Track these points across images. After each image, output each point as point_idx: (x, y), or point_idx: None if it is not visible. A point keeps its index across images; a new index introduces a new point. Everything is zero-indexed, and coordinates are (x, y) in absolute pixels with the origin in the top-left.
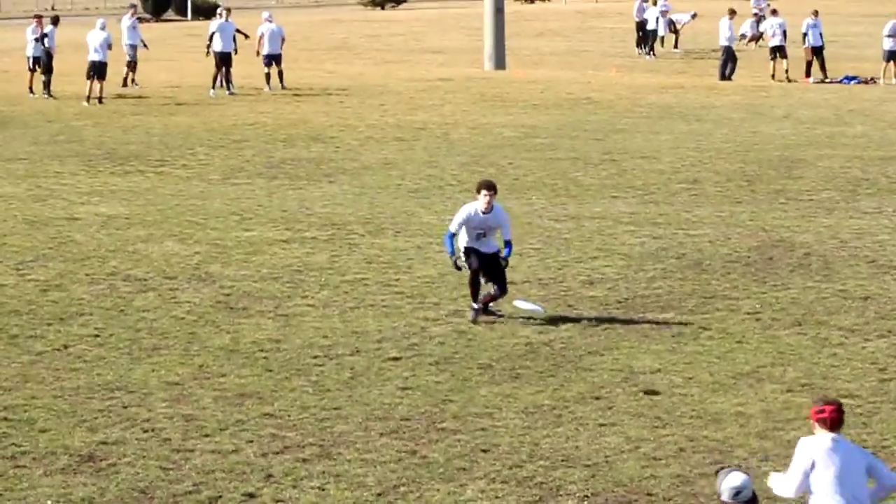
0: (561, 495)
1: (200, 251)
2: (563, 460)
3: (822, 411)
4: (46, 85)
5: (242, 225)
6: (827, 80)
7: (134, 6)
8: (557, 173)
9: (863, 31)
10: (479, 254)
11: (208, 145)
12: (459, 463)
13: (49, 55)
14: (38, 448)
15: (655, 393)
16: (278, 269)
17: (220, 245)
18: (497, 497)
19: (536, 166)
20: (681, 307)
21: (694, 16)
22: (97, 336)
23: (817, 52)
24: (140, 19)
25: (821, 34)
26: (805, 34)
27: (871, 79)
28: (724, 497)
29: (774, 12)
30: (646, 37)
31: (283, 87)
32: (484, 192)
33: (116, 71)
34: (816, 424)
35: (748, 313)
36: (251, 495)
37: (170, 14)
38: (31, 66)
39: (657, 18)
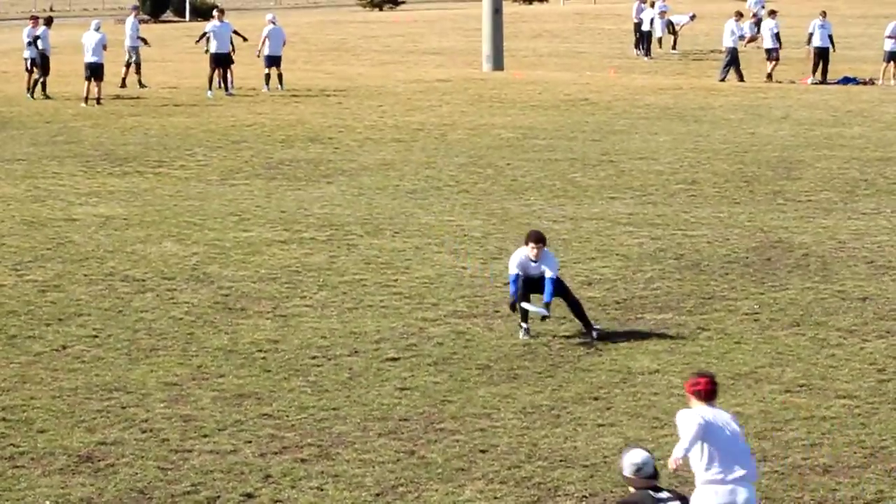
0: (559, 496)
1: (199, 252)
2: (561, 461)
3: (698, 384)
4: (43, 86)
5: (241, 226)
6: (826, 82)
7: (136, 7)
8: (555, 174)
9: (862, 33)
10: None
11: (206, 146)
12: (458, 463)
13: (44, 57)
14: (36, 448)
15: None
16: (276, 269)
17: (218, 246)
18: (495, 497)
19: (534, 167)
20: (679, 308)
21: (693, 17)
22: (95, 336)
23: (822, 53)
24: (141, 21)
25: (830, 36)
26: (811, 34)
27: (870, 80)
28: (626, 472)
29: (773, 14)
30: (642, 38)
31: (282, 89)
32: (531, 244)
33: (115, 72)
34: (692, 397)
35: (746, 314)
36: (249, 495)
37: (168, 15)
38: (29, 68)
39: (652, 20)
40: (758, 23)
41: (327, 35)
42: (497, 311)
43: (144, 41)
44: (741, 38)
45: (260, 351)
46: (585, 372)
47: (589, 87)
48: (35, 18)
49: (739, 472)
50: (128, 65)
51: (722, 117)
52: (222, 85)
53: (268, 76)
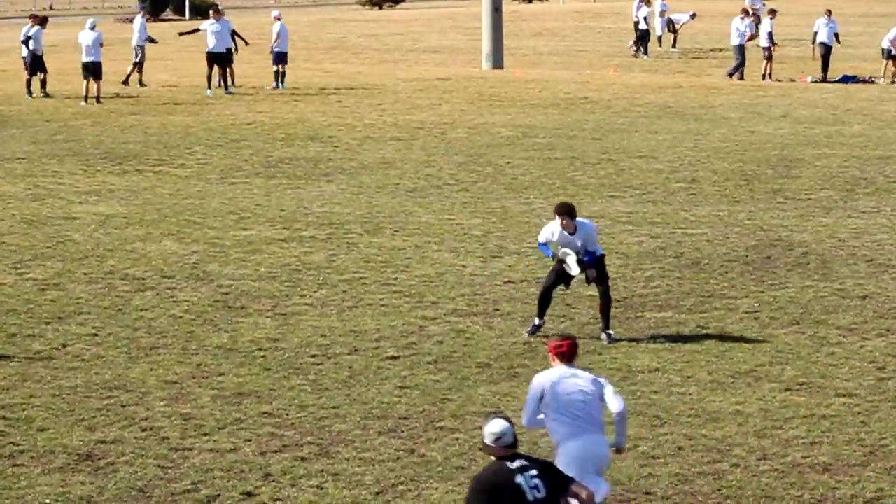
0: None
1: (198, 250)
2: None
3: (560, 346)
4: (42, 84)
5: (240, 224)
6: (826, 81)
7: (144, 6)
8: (555, 173)
9: (862, 31)
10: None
11: (206, 145)
12: (458, 462)
13: (35, 56)
14: (36, 447)
15: None
16: (276, 268)
17: (218, 244)
18: None
19: (534, 166)
20: (679, 306)
21: (693, 16)
22: (95, 335)
23: (828, 50)
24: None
25: (836, 34)
26: (816, 33)
27: (870, 78)
28: (487, 441)
29: (772, 13)
30: (639, 36)
31: (283, 87)
32: (557, 217)
33: (114, 70)
34: (554, 357)
35: (746, 312)
36: (249, 494)
37: (168, 14)
38: (27, 67)
39: (645, 17)
40: (758, 21)
41: (327, 33)
42: (497, 310)
43: (152, 40)
44: (745, 35)
45: (260, 349)
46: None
47: (589, 85)
48: (34, 17)
49: (591, 427)
50: (136, 63)
51: (722, 116)
52: (222, 83)
53: (277, 73)
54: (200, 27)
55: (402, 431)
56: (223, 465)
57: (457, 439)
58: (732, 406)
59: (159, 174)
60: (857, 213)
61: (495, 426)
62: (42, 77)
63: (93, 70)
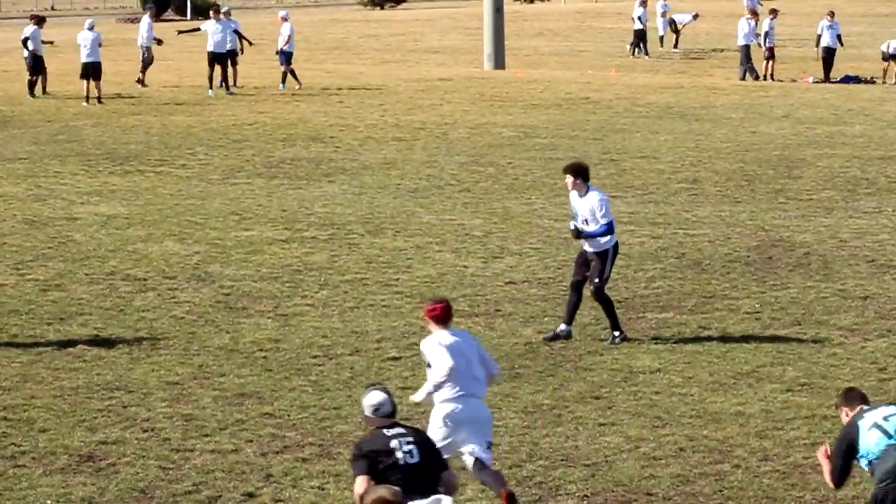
0: (560, 495)
1: (200, 251)
2: (562, 460)
3: (434, 309)
4: (43, 85)
5: (242, 225)
6: (829, 81)
7: (152, 7)
8: (557, 173)
9: (863, 31)
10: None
11: (208, 145)
12: (459, 462)
13: (35, 57)
14: (37, 448)
15: None
16: (278, 268)
17: (219, 245)
18: (497, 497)
19: (536, 166)
20: (680, 307)
21: (696, 16)
22: (97, 336)
23: (831, 53)
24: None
25: (839, 36)
26: (820, 35)
27: (871, 79)
28: (367, 412)
29: (773, 13)
30: (640, 37)
31: (283, 88)
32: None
33: (115, 70)
34: (431, 322)
35: (748, 313)
36: (251, 495)
37: (169, 14)
38: (29, 67)
39: (640, 17)
40: (757, 20)
41: (328, 34)
42: (498, 311)
43: (159, 41)
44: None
45: (261, 350)
46: (587, 371)
47: (590, 85)
48: (34, 17)
49: (472, 390)
50: (147, 64)
51: (723, 116)
52: (223, 84)
53: (290, 72)
54: (201, 27)
55: None
56: (224, 466)
57: None
58: (734, 407)
59: (161, 175)
60: (858, 213)
61: (374, 397)
62: (35, 78)
63: (92, 70)
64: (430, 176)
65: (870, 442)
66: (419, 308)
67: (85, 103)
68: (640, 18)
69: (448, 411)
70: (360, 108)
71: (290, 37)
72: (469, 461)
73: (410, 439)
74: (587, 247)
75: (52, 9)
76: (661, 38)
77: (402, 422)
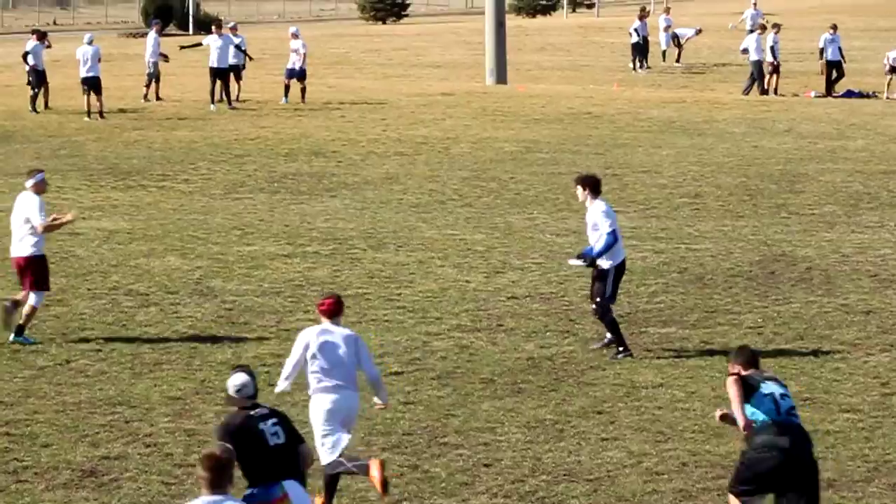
0: None
1: (202, 266)
2: (565, 475)
3: (322, 304)
4: (45, 99)
5: (244, 240)
6: (831, 95)
7: (158, 22)
8: (559, 188)
9: (864, 46)
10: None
11: (210, 160)
12: (462, 478)
13: (36, 72)
14: (40, 463)
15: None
16: (280, 283)
17: (221, 260)
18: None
19: (538, 181)
20: (683, 321)
21: (699, 31)
22: (99, 351)
23: (835, 66)
24: (145, 34)
25: (840, 49)
26: (822, 49)
27: (873, 93)
28: (230, 393)
29: (774, 27)
30: (638, 51)
31: (287, 102)
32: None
33: (116, 85)
34: (322, 315)
35: (750, 327)
36: None
37: (171, 29)
38: (30, 82)
39: (636, 30)
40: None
41: (330, 48)
42: (501, 326)
43: (165, 57)
44: (745, 51)
45: (264, 365)
46: (589, 386)
47: (592, 100)
48: (35, 32)
49: (344, 381)
50: (153, 79)
51: (725, 130)
52: (225, 98)
53: (294, 89)
54: (203, 42)
55: (406, 447)
56: None
57: (461, 455)
58: None
59: (163, 189)
60: (860, 228)
61: (238, 379)
62: (37, 92)
63: (92, 85)
64: (432, 191)
65: (761, 405)
66: (422, 323)
67: (87, 118)
68: (636, 31)
69: (327, 402)
70: (363, 123)
71: (304, 54)
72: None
73: (274, 420)
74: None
75: (54, 24)
76: (664, 52)
77: (261, 403)
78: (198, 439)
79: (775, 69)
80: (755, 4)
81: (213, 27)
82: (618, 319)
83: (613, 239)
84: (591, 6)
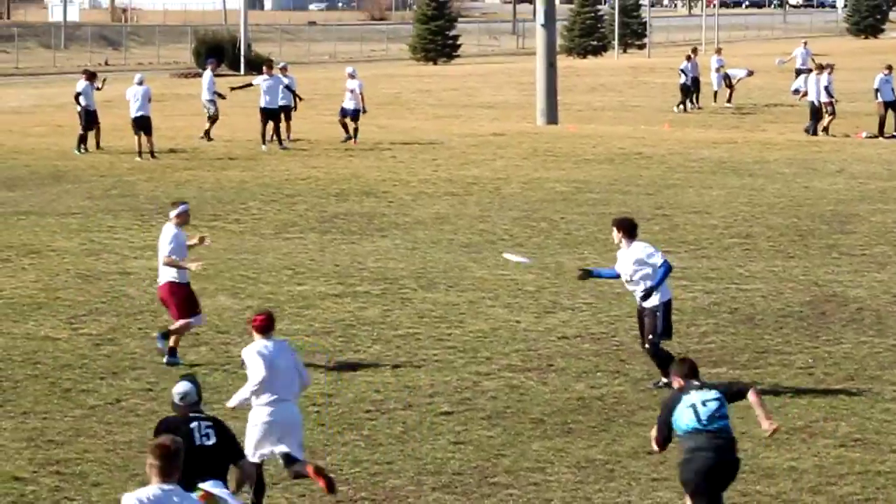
0: None
1: (253, 305)
2: None
3: (255, 320)
4: (81, 140)
5: (295, 279)
6: (885, 136)
7: (213, 61)
8: (609, 228)
9: None
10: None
11: (261, 200)
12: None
13: (87, 112)
14: (90, 502)
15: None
16: (330, 323)
17: (272, 299)
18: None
19: (588, 221)
20: (733, 362)
21: (750, 73)
22: (150, 390)
23: (890, 106)
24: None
25: (893, 89)
26: (878, 89)
27: None
28: (175, 400)
29: (829, 68)
30: (684, 92)
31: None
32: None
33: (168, 125)
34: (254, 332)
35: (801, 368)
36: None
37: (223, 69)
38: (81, 122)
39: (682, 70)
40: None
41: (382, 89)
42: (551, 366)
43: (221, 96)
44: (796, 91)
45: (314, 405)
46: (640, 426)
47: (643, 140)
48: (86, 73)
49: (285, 395)
50: (213, 118)
51: (776, 171)
52: (275, 138)
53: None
54: (253, 82)
55: (457, 487)
56: None
57: (511, 495)
58: (787, 462)
59: (214, 229)
60: None
61: (181, 387)
62: (85, 133)
63: (142, 125)
64: (482, 231)
65: (682, 417)
66: (472, 363)
67: (138, 158)
68: (683, 72)
69: (265, 415)
70: (413, 163)
71: (361, 94)
72: (280, 459)
73: (209, 424)
74: (643, 303)
75: (106, 63)
76: (716, 93)
77: (205, 412)
78: None
79: (831, 110)
80: (805, 44)
81: (265, 67)
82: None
83: (669, 267)
84: (641, 47)
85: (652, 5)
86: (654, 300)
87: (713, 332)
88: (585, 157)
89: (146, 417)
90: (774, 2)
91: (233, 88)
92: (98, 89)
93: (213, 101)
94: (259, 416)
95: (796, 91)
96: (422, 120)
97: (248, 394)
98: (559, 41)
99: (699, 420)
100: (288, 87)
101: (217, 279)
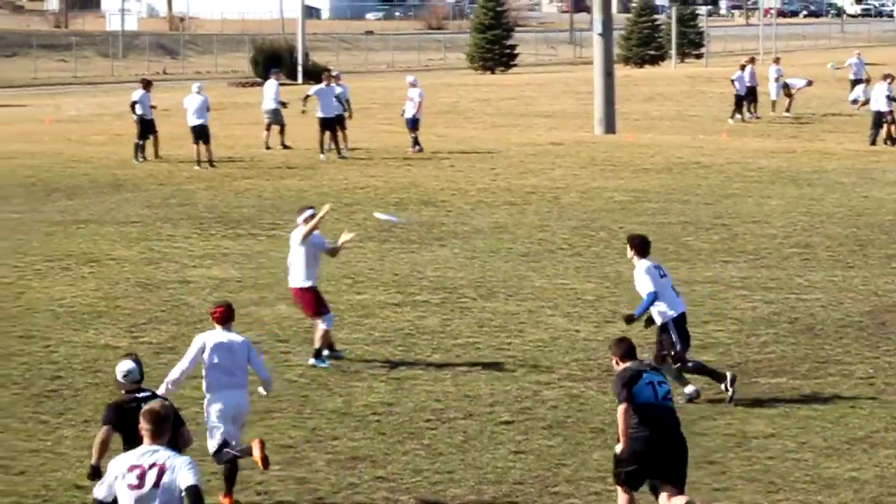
0: None
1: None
2: None
3: (215, 312)
4: (137, 149)
5: (354, 288)
6: None
7: (277, 71)
8: (668, 237)
9: None
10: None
11: (319, 209)
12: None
13: (143, 121)
14: None
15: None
16: (390, 332)
17: (332, 309)
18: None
19: (647, 230)
20: (793, 372)
21: (810, 83)
22: None
23: None
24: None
25: None
26: None
27: None
28: (118, 378)
29: (889, 77)
30: (737, 102)
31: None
32: None
33: (226, 134)
34: (213, 321)
35: (861, 378)
36: None
37: (280, 78)
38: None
39: (733, 80)
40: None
41: (440, 98)
42: (611, 375)
43: (283, 104)
44: (854, 101)
45: (374, 414)
46: (700, 436)
47: (701, 150)
48: (144, 81)
49: (235, 381)
50: (269, 126)
51: (835, 181)
52: (334, 147)
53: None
54: (310, 92)
55: (517, 497)
56: None
57: None
58: (848, 472)
59: (273, 238)
60: None
61: (125, 365)
62: (143, 142)
63: (200, 133)
64: (541, 240)
65: (642, 392)
66: (532, 372)
67: (196, 167)
68: (735, 82)
69: (218, 402)
70: (472, 172)
71: (420, 102)
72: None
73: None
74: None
75: (164, 73)
76: (774, 102)
77: (147, 388)
78: (308, 487)
79: (891, 118)
80: (858, 54)
81: (323, 76)
82: (728, 369)
83: (652, 299)
84: (699, 56)
85: (709, 15)
86: (661, 318)
87: (773, 342)
88: (643, 167)
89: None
90: (832, 11)
91: (304, 105)
92: (153, 108)
93: (276, 111)
94: (214, 404)
95: (854, 101)
96: (480, 129)
97: (178, 374)
98: (616, 50)
99: (656, 397)
100: (337, 98)
101: (276, 287)
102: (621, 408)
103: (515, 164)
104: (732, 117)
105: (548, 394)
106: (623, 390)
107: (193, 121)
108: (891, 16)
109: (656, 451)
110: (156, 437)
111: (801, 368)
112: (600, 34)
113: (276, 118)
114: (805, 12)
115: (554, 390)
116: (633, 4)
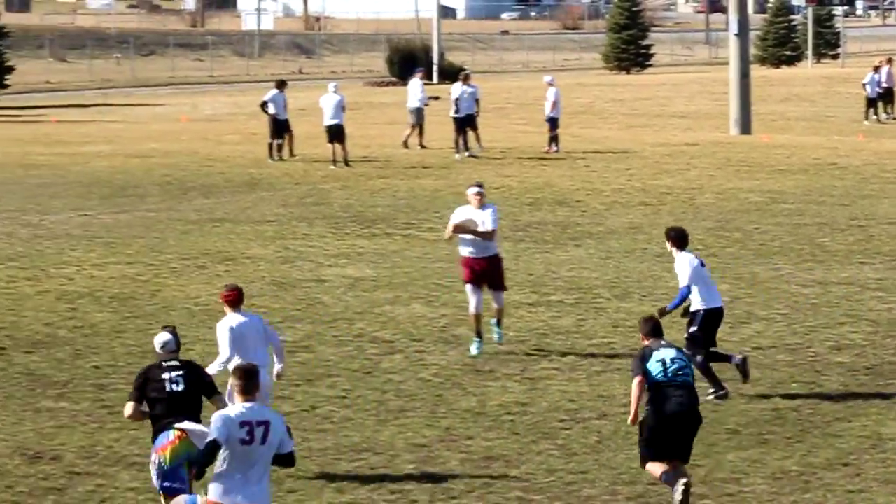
0: None
1: (447, 314)
2: None
3: (230, 295)
4: (278, 149)
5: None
6: None
7: (421, 70)
8: (804, 238)
9: None
10: None
11: (454, 208)
12: None
13: (275, 121)
14: None
15: None
16: (525, 332)
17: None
18: None
19: (783, 231)
20: None
21: None
22: (344, 398)
23: None
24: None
25: None
26: None
27: None
28: (157, 349)
29: None
30: (869, 103)
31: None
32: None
33: (362, 133)
34: (226, 305)
35: None
36: None
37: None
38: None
39: (865, 84)
40: None
41: (575, 98)
42: (736, 374)
43: (434, 98)
44: None
45: (508, 413)
46: (835, 437)
47: (837, 151)
48: (277, 82)
49: (256, 362)
50: (413, 126)
51: None
52: (468, 146)
53: (555, 137)
54: (453, 95)
55: (651, 497)
56: None
57: None
58: None
59: (408, 237)
60: None
61: (163, 337)
62: (279, 141)
63: (336, 133)
64: None
65: (652, 369)
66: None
67: (332, 166)
68: (866, 85)
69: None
70: (607, 173)
71: (556, 102)
72: None
73: (181, 372)
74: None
75: (300, 72)
76: None
77: (181, 358)
78: (442, 487)
79: None
80: None
81: (461, 76)
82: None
83: (685, 294)
84: (835, 56)
85: (846, 15)
86: (695, 305)
87: None
88: (779, 168)
89: (340, 424)
90: None
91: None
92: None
93: (420, 110)
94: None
95: None
96: (614, 129)
97: (221, 366)
98: (752, 51)
99: (666, 373)
100: (457, 99)
101: (411, 287)
102: (635, 381)
103: (650, 165)
104: (867, 118)
105: None
106: (638, 365)
107: (329, 120)
108: None
109: (661, 426)
110: (245, 393)
111: None
112: (736, 34)
113: (419, 118)
114: None
115: None
116: (770, 5)
